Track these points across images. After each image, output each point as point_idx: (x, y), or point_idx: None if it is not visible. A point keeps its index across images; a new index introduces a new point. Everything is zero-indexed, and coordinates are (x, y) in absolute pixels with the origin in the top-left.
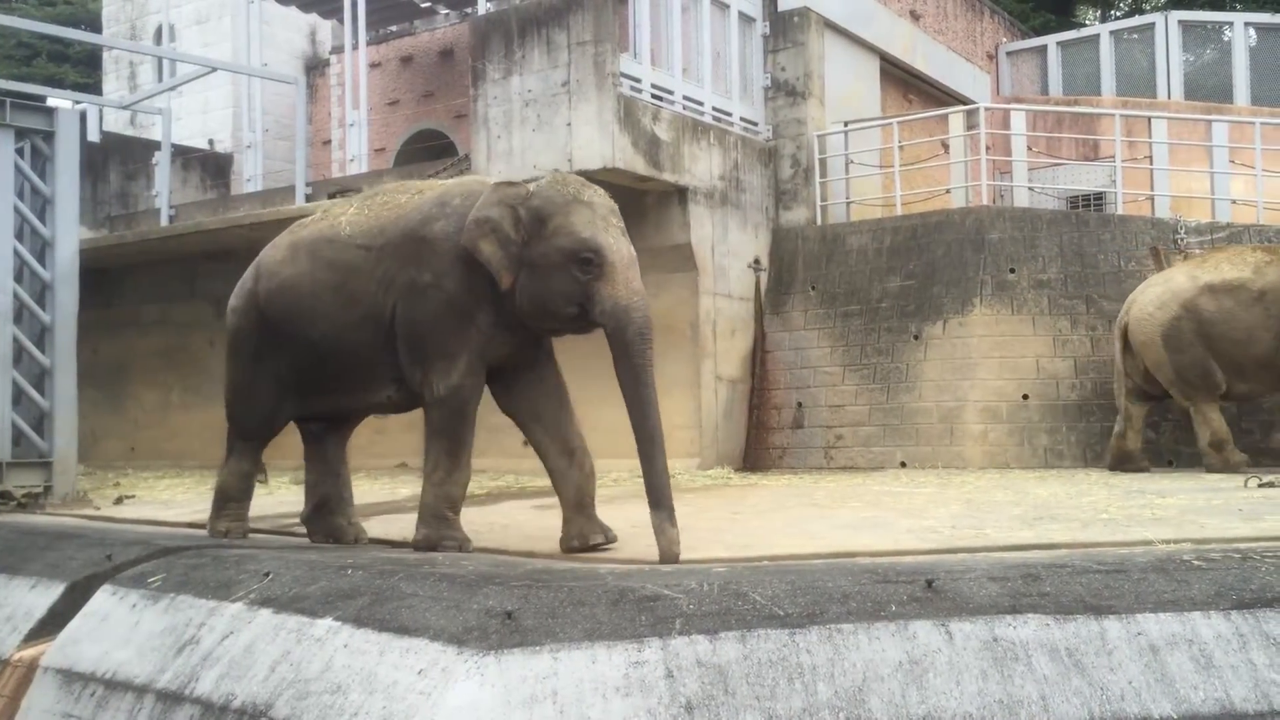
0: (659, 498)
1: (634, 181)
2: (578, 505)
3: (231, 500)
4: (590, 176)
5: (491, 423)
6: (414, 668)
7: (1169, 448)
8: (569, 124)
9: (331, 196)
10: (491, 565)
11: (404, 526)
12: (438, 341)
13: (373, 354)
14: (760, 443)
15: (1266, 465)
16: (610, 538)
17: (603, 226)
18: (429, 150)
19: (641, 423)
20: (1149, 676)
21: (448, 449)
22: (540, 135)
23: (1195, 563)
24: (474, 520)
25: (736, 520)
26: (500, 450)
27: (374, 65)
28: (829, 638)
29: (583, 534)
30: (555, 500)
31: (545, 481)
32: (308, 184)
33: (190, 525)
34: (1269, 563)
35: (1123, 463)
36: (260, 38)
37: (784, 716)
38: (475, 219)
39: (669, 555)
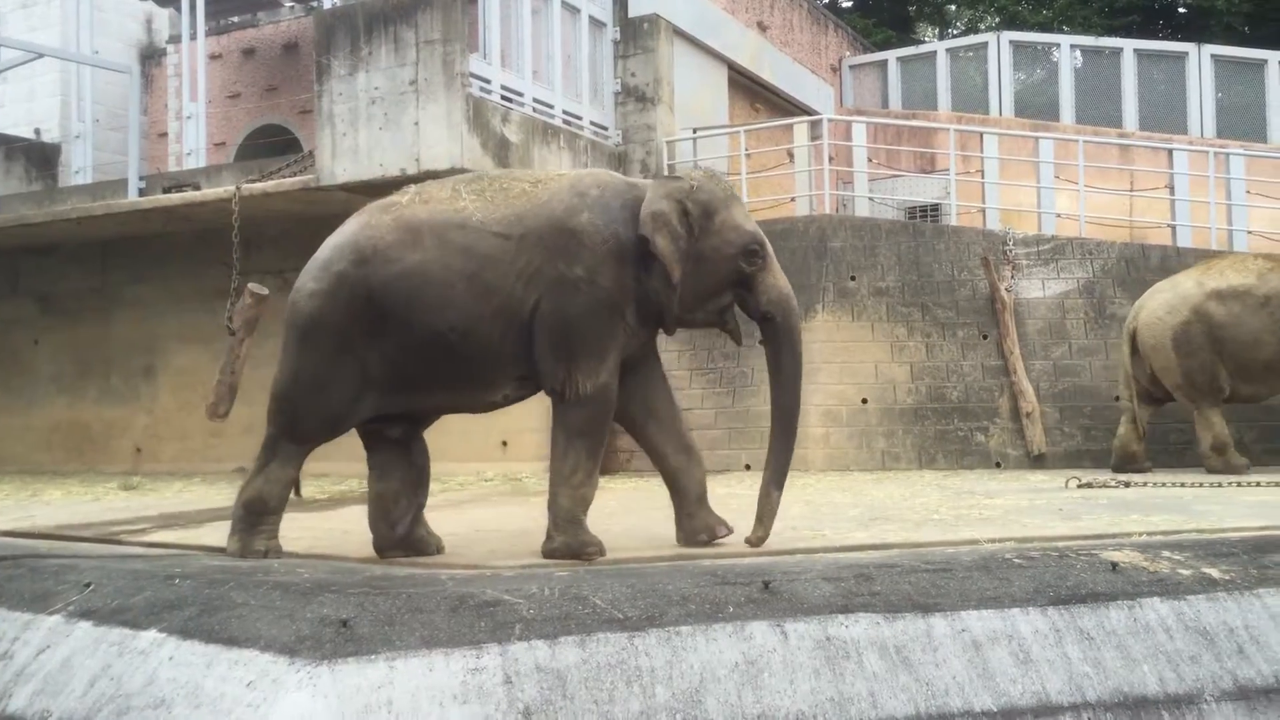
0: (782, 480)
1: None
2: (700, 499)
3: (269, 514)
4: (438, 177)
5: None
6: (243, 680)
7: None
8: (417, 123)
9: (167, 190)
10: (329, 572)
11: None
12: (589, 339)
13: (502, 349)
14: (608, 446)
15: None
16: (730, 529)
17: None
18: (271, 146)
19: (791, 408)
20: (972, 672)
21: (590, 450)
22: (387, 134)
23: (1016, 561)
24: (313, 526)
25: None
26: (344, 454)
27: (214, 57)
28: (668, 640)
29: (710, 527)
30: None
31: None
32: (142, 177)
33: (7, 534)
34: (1083, 560)
35: (1127, 463)
36: (92, 24)
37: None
38: (651, 212)
39: (757, 538)
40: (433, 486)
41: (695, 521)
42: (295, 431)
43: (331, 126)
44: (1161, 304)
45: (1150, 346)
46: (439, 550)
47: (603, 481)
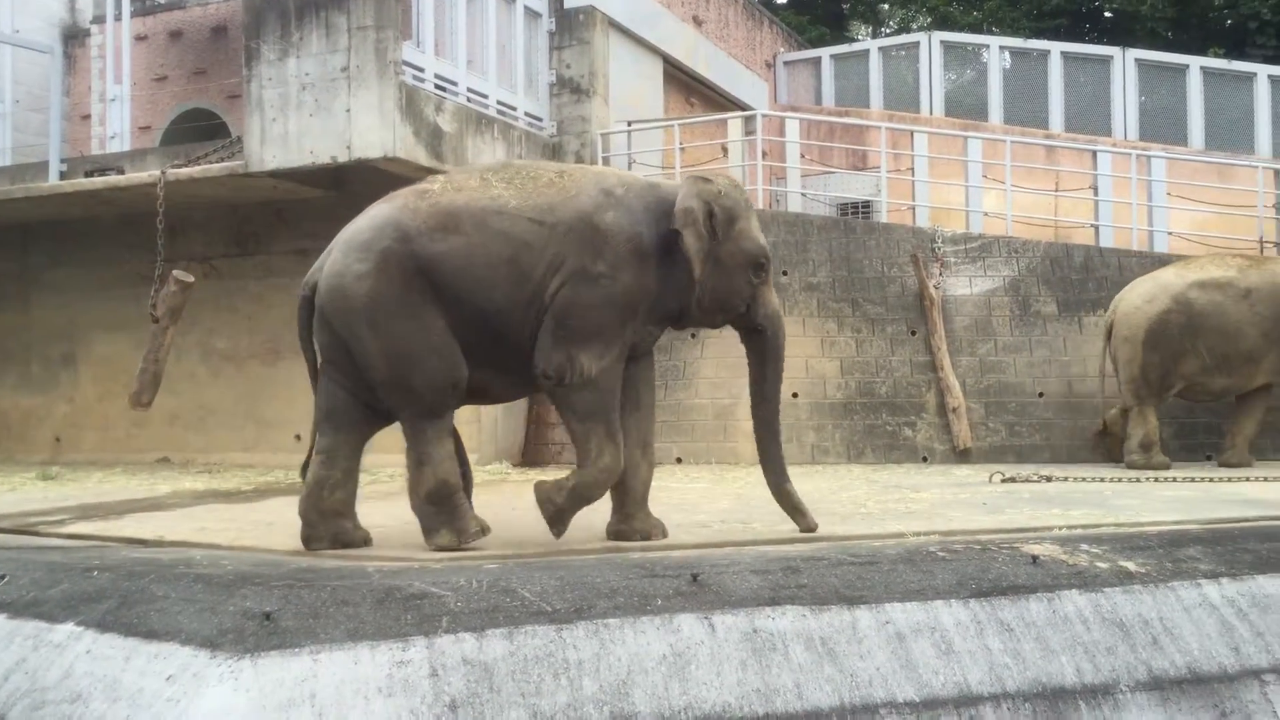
0: (786, 473)
1: (415, 172)
2: (641, 501)
3: (455, 490)
4: (370, 165)
5: (262, 415)
6: (162, 674)
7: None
8: (349, 110)
9: (89, 174)
10: (252, 565)
11: (161, 524)
12: (597, 326)
13: (531, 335)
14: (539, 438)
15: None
16: (666, 535)
17: None
18: (199, 130)
19: (773, 417)
20: (895, 663)
21: (608, 431)
22: (318, 120)
23: (940, 554)
24: (238, 518)
25: (513, 516)
26: (270, 445)
27: (139, 38)
28: (596, 633)
29: (646, 533)
30: None
31: None
32: (63, 160)
33: None
34: (1005, 553)
35: (1112, 456)
36: (12, 1)
37: (548, 713)
38: (683, 209)
39: (813, 522)
40: (362, 478)
41: (633, 523)
42: (431, 406)
43: (261, 112)
44: (1141, 294)
45: (1122, 336)
46: (366, 543)
47: (533, 474)
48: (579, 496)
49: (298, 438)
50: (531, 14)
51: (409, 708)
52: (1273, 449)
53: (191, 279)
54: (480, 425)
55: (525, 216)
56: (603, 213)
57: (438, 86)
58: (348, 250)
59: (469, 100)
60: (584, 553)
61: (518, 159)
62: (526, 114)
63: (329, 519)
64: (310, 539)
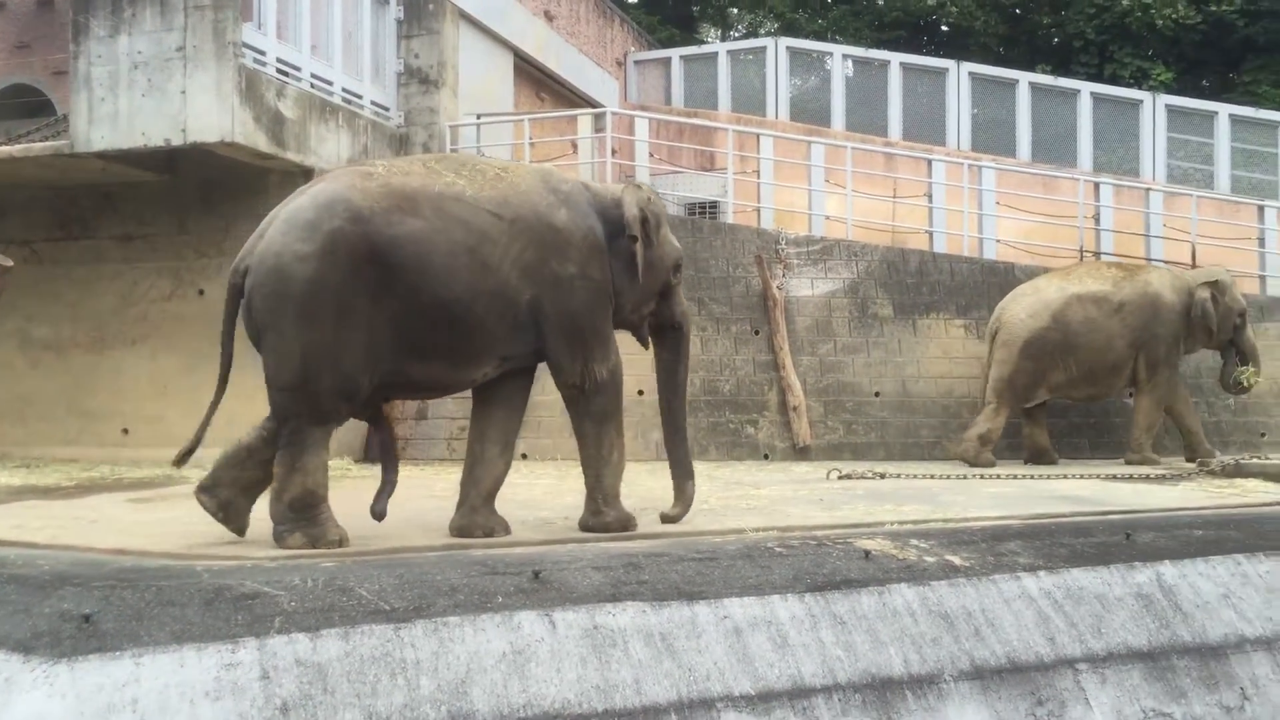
0: (689, 470)
1: (255, 159)
2: (488, 497)
3: (321, 502)
4: (208, 150)
5: (86, 408)
6: None
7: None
8: (184, 92)
9: None
10: (71, 564)
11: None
12: (595, 328)
13: (496, 329)
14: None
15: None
16: (508, 531)
17: None
18: (22, 107)
19: (683, 409)
20: (732, 656)
21: (618, 429)
22: (151, 101)
23: (778, 550)
24: (58, 515)
25: (352, 513)
26: (95, 439)
27: None
28: (435, 631)
29: (489, 527)
30: (154, 493)
31: (144, 472)
32: None
33: None
34: (839, 549)
35: (1037, 458)
36: None
37: (384, 713)
38: (634, 215)
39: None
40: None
41: (476, 518)
42: (318, 410)
43: (89, 90)
44: (1025, 308)
45: (1002, 341)
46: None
47: (374, 469)
48: (617, 497)
49: (125, 431)
50: (379, 1)
51: (238, 712)
52: (1237, 446)
53: (10, 263)
54: None
55: (483, 207)
56: (557, 212)
57: (280, 71)
58: (289, 229)
59: (313, 86)
60: (425, 550)
61: (368, 147)
62: (373, 103)
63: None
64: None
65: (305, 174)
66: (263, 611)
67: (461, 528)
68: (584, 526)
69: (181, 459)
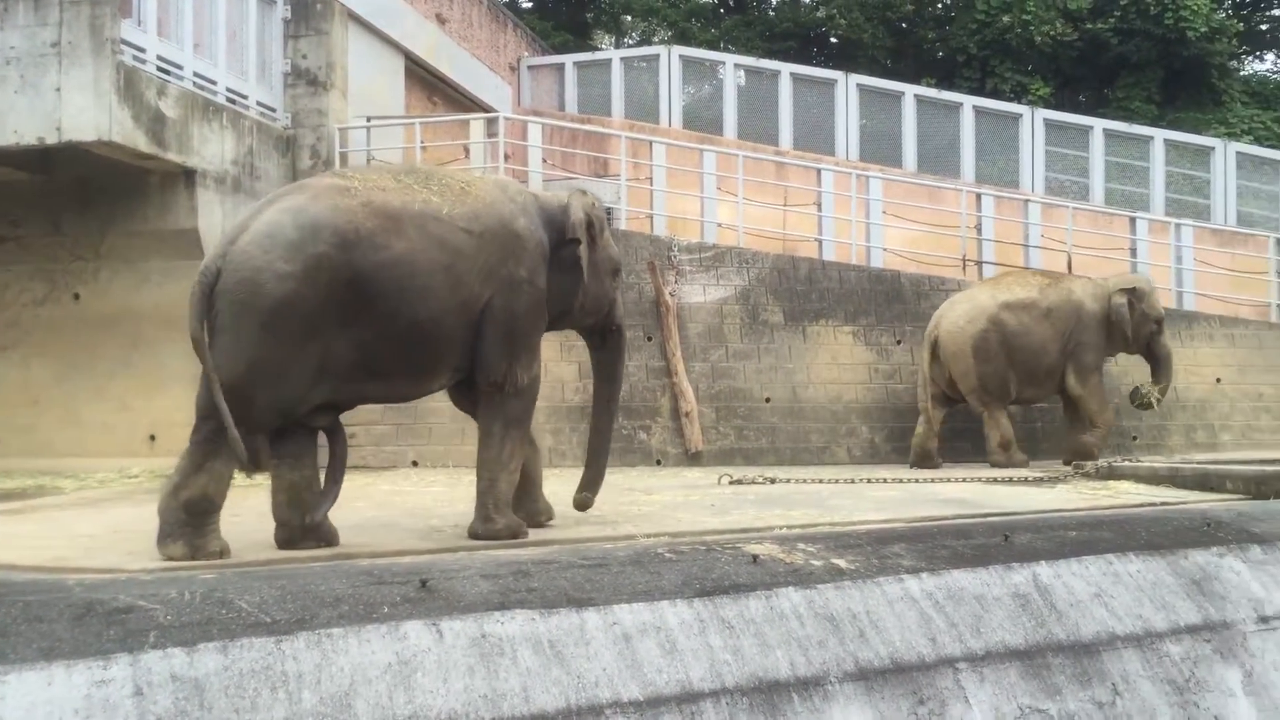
0: (598, 484)
1: (134, 159)
2: (537, 482)
3: (215, 510)
4: (84, 149)
5: None
6: None
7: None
8: (59, 89)
9: None
10: None
11: None
12: (528, 335)
13: (456, 340)
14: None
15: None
16: (551, 515)
17: None
18: None
19: (610, 422)
20: (621, 663)
21: (521, 437)
22: (24, 98)
23: (668, 555)
24: None
25: (234, 522)
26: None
27: None
28: (317, 643)
29: (549, 510)
30: (24, 504)
31: (14, 483)
32: None
33: None
34: (728, 553)
35: (923, 461)
36: None
37: None
38: (579, 220)
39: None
40: (67, 483)
41: (538, 504)
42: (245, 421)
43: None
44: (961, 314)
45: (951, 353)
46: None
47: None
48: (508, 504)
49: None
50: (265, 0)
51: None
52: (1110, 449)
53: None
54: None
55: (458, 225)
56: (516, 219)
57: (161, 69)
58: (269, 246)
59: (196, 86)
60: (308, 560)
61: (253, 149)
62: (259, 103)
63: (197, 522)
64: (293, 540)
65: (187, 175)
66: (137, 626)
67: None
68: (473, 534)
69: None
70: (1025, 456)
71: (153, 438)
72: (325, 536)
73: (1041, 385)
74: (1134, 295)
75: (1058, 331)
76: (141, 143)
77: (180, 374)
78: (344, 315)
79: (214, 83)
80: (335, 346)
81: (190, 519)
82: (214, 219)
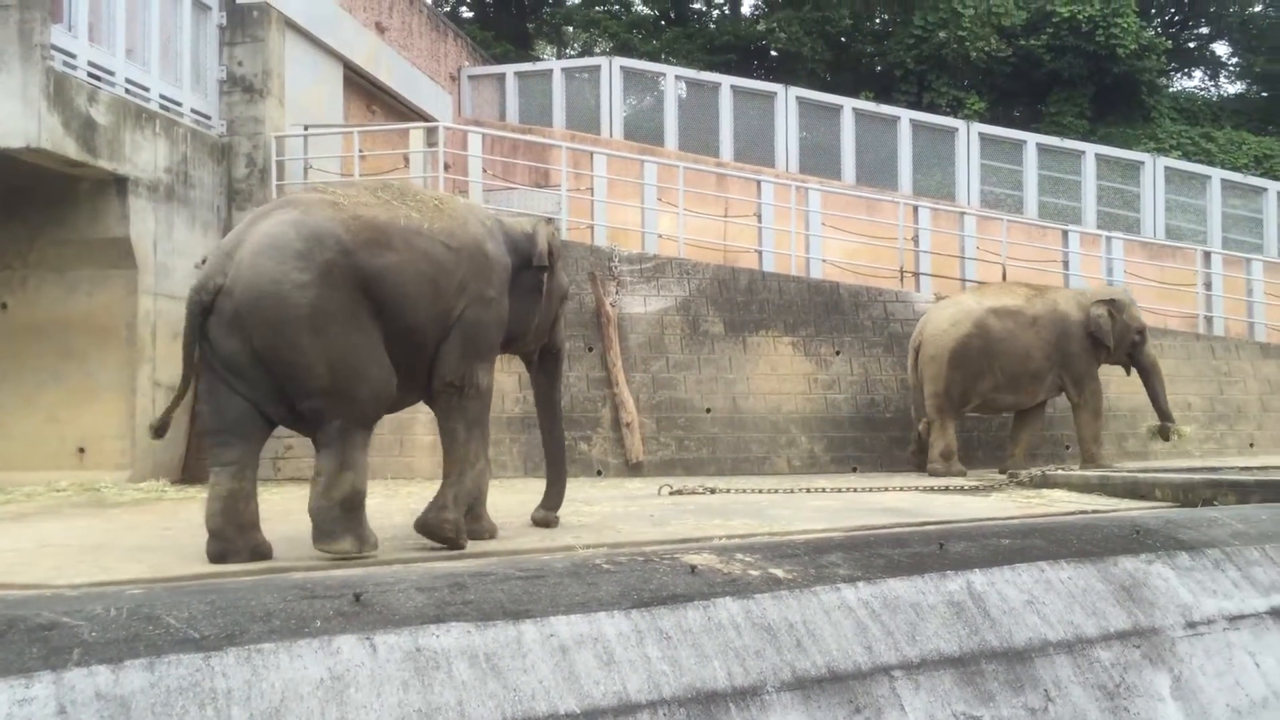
0: (559, 501)
1: (64, 166)
2: (482, 500)
3: (364, 501)
4: (12, 156)
5: None
6: None
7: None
8: None
9: None
10: None
11: None
12: (489, 344)
13: (431, 350)
14: (202, 454)
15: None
16: (495, 534)
17: None
18: None
19: (562, 440)
20: (558, 676)
21: (484, 438)
22: None
23: (606, 566)
24: None
25: (166, 537)
26: None
27: None
28: (247, 659)
29: (493, 529)
30: None
31: None
32: None
33: None
34: (666, 564)
35: (923, 467)
36: None
37: None
38: (544, 249)
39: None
40: None
41: (482, 522)
42: (365, 413)
43: None
44: (947, 318)
45: (929, 356)
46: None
47: (193, 491)
48: (464, 503)
49: None
50: (200, 6)
51: None
52: (1044, 458)
53: None
54: (135, 440)
55: (438, 239)
56: (486, 242)
57: (92, 75)
58: (280, 257)
59: (128, 92)
60: (240, 575)
61: (187, 157)
62: (193, 110)
63: (246, 532)
64: (227, 554)
65: (118, 183)
66: (60, 643)
67: (474, 533)
68: (422, 523)
69: (158, 431)
70: (964, 468)
71: (82, 450)
72: (260, 550)
73: (1021, 392)
74: (1114, 306)
75: (1043, 340)
76: (71, 150)
77: (110, 386)
78: (369, 313)
79: (147, 89)
80: (378, 339)
81: (345, 515)
82: (146, 227)
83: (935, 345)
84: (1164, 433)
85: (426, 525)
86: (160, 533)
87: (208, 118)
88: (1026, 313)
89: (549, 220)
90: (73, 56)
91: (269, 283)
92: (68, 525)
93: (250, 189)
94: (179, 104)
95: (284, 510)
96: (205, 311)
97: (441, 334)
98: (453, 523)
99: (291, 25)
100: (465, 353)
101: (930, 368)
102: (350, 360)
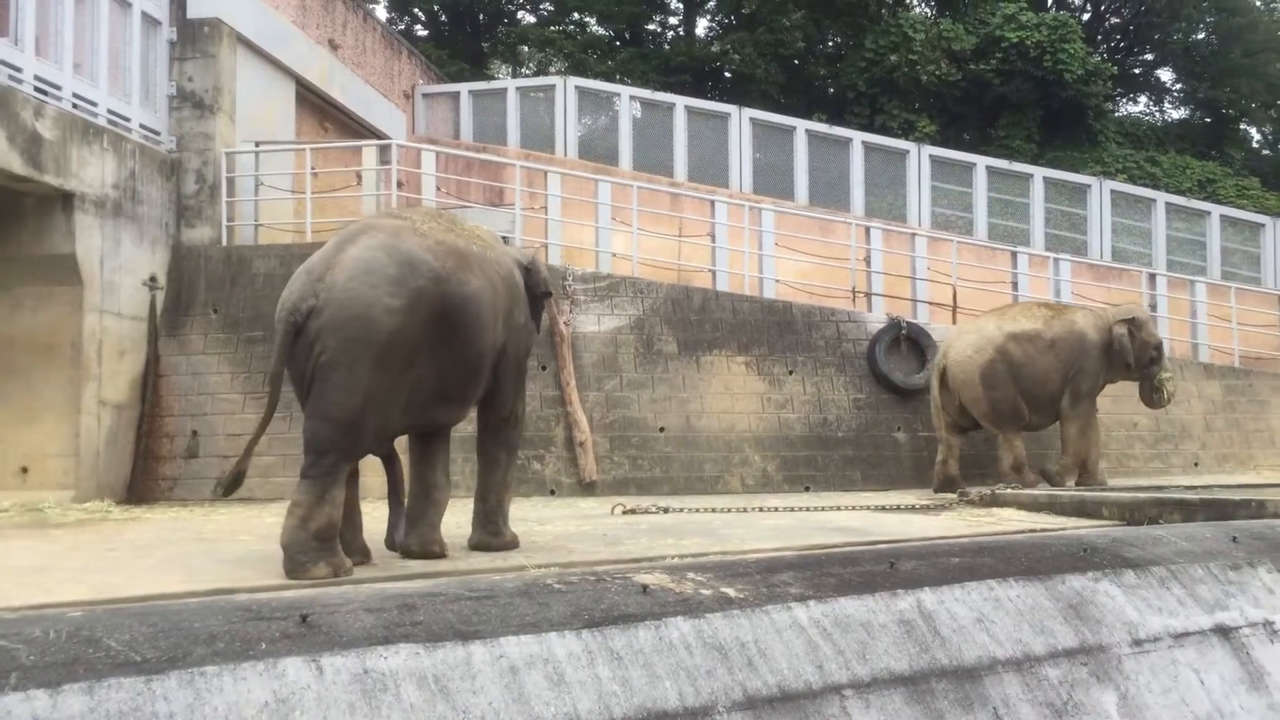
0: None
1: (9, 181)
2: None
3: (338, 532)
4: None
5: None
6: None
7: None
8: None
9: None
10: None
11: None
12: (525, 371)
13: (489, 370)
14: (149, 473)
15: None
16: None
17: None
18: None
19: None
20: (508, 696)
21: (515, 463)
22: None
23: (557, 586)
24: None
25: (110, 557)
26: None
27: None
28: (190, 682)
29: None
30: None
31: None
32: None
33: None
34: (618, 583)
35: (946, 486)
36: None
37: None
38: (547, 276)
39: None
40: None
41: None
42: (355, 449)
43: None
44: (969, 344)
45: (961, 382)
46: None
47: (139, 512)
48: (507, 516)
49: None
50: (150, 21)
51: None
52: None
53: None
54: (79, 459)
55: (493, 266)
56: (515, 268)
57: (38, 89)
58: (373, 281)
59: (75, 107)
60: (185, 596)
61: (135, 172)
62: (142, 126)
63: (329, 546)
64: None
65: (65, 198)
66: None
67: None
68: (482, 546)
69: (230, 487)
70: (1037, 477)
71: (25, 470)
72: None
73: (1044, 413)
74: (1133, 325)
75: (1061, 362)
76: (16, 164)
77: (54, 404)
78: (434, 344)
79: (95, 104)
80: (423, 374)
81: (321, 545)
82: (93, 243)
83: (963, 371)
84: (1151, 394)
85: (492, 548)
86: (104, 553)
87: (157, 133)
88: (1045, 336)
89: (539, 249)
90: (18, 70)
91: (362, 305)
92: (8, 546)
93: (200, 205)
94: (127, 119)
95: (230, 531)
96: (297, 333)
97: (493, 361)
98: (511, 538)
99: (243, 41)
100: (516, 386)
101: (968, 392)
102: (380, 394)
